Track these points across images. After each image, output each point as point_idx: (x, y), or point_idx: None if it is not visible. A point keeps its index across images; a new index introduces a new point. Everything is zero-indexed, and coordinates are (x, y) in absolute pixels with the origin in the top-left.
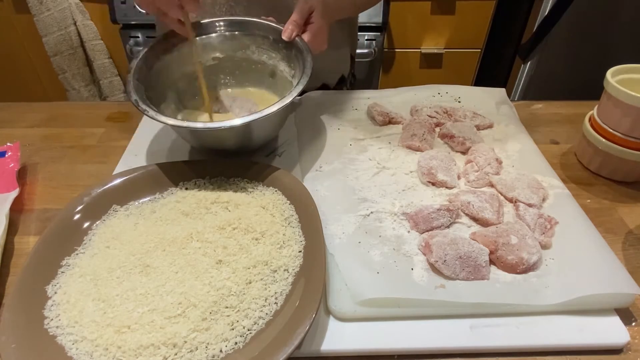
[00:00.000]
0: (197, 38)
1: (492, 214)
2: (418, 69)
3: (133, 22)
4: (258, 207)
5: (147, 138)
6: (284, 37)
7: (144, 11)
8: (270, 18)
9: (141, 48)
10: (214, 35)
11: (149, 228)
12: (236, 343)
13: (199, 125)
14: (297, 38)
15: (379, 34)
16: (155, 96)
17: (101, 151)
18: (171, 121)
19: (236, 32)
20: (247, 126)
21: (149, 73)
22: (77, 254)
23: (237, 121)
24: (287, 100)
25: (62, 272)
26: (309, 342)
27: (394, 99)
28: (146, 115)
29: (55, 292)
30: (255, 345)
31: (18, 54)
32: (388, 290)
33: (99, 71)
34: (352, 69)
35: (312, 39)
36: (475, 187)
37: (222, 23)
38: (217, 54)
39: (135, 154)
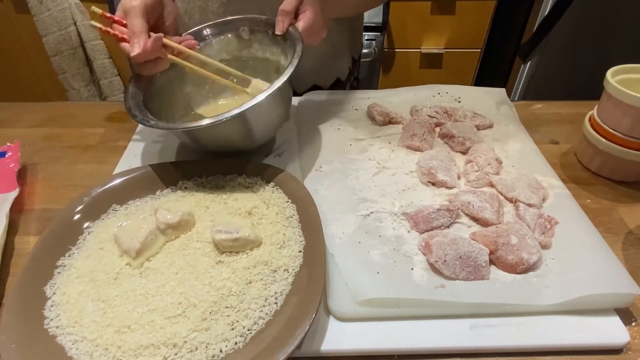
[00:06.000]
0: (200, 45)
1: (492, 214)
2: (418, 69)
3: None
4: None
5: (147, 138)
6: (277, 31)
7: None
8: (268, 14)
9: None
10: (216, 38)
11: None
12: (236, 343)
13: (190, 125)
14: (290, 28)
15: (379, 34)
16: (159, 103)
17: (101, 151)
18: (161, 124)
19: (236, 31)
20: (242, 120)
21: (152, 80)
22: (77, 254)
23: (226, 115)
24: (275, 86)
25: (62, 272)
26: (309, 342)
27: (394, 99)
28: (135, 120)
29: (55, 292)
30: (255, 345)
31: (18, 54)
32: (388, 290)
33: (99, 71)
34: (354, 72)
35: (306, 27)
36: (475, 187)
37: (220, 23)
38: (224, 56)
39: (135, 154)
